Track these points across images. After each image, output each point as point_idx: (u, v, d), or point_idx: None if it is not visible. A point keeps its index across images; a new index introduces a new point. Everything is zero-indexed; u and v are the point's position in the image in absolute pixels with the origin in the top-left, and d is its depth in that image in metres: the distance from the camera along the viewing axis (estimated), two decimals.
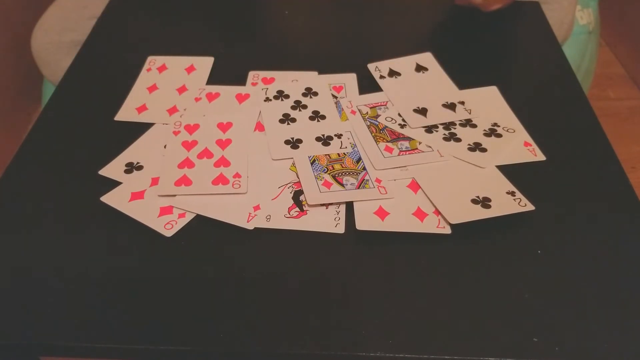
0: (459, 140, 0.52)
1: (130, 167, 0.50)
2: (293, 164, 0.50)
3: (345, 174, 0.48)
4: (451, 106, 0.55)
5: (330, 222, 0.45)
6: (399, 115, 0.54)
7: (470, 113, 0.54)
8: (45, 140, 0.54)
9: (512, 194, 0.46)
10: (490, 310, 0.40)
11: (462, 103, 0.55)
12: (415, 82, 0.59)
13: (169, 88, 0.59)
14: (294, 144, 0.51)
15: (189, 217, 0.46)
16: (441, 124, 0.53)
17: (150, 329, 0.39)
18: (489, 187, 0.47)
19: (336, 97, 0.57)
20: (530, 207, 0.45)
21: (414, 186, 0.48)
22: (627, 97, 1.43)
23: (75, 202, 0.47)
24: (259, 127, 0.54)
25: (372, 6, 0.72)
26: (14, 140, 1.14)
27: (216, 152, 0.50)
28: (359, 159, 0.50)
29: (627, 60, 1.50)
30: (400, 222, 0.45)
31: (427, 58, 0.62)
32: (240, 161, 0.50)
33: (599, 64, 1.18)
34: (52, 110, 0.57)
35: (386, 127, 0.53)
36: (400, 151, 0.50)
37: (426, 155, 0.50)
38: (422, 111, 0.54)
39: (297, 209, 0.46)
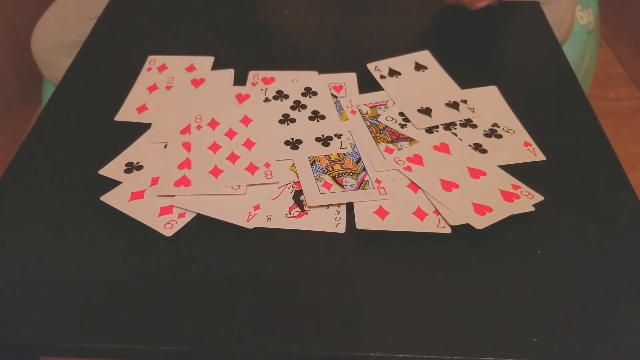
0: (459, 140, 0.52)
1: (130, 167, 0.50)
2: (293, 164, 0.50)
3: (345, 174, 0.48)
4: (454, 105, 0.55)
5: (331, 222, 0.45)
6: (400, 114, 0.54)
7: (474, 112, 0.54)
8: (45, 140, 0.54)
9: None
10: (490, 310, 0.40)
11: (465, 102, 0.55)
12: (416, 81, 0.59)
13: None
14: (294, 144, 0.51)
15: (189, 217, 0.46)
16: (442, 125, 0.53)
17: (150, 329, 0.39)
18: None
19: (336, 97, 0.57)
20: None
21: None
22: (627, 97, 1.43)
23: (75, 202, 0.47)
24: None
25: (372, 5, 0.72)
26: (14, 140, 1.14)
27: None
28: (359, 160, 0.50)
29: (627, 60, 1.50)
30: (401, 221, 0.45)
31: (425, 56, 0.62)
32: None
33: (599, 64, 1.18)
34: (52, 110, 0.57)
35: (386, 127, 0.53)
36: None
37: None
38: (427, 111, 0.54)
39: (297, 208, 0.46)
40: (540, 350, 0.37)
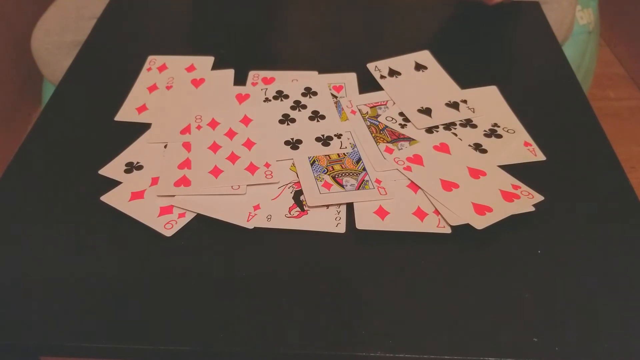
0: (459, 140, 0.52)
1: (130, 167, 0.50)
2: (293, 164, 0.50)
3: (345, 174, 0.48)
4: (454, 105, 0.55)
5: (331, 222, 0.45)
6: (400, 114, 0.54)
7: (474, 112, 0.54)
8: (45, 140, 0.54)
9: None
10: (490, 310, 0.40)
11: (465, 102, 0.55)
12: (416, 81, 0.59)
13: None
14: (294, 144, 0.51)
15: (189, 217, 0.46)
16: (442, 125, 0.53)
17: (150, 329, 0.39)
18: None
19: (336, 97, 0.57)
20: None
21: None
22: (627, 97, 1.43)
23: (75, 202, 0.47)
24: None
25: (372, 5, 0.72)
26: (14, 140, 1.14)
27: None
28: (359, 159, 0.50)
29: (627, 60, 1.50)
30: (401, 221, 0.45)
31: (425, 56, 0.62)
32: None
33: (599, 64, 1.18)
34: (52, 110, 0.57)
35: (386, 127, 0.53)
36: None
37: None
38: (427, 111, 0.54)
39: (297, 208, 0.46)
40: (540, 350, 0.37)
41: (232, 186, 0.47)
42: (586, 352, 0.37)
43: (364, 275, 0.42)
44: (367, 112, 0.55)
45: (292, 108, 0.55)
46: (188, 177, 0.48)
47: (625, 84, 1.46)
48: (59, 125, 0.55)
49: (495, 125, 0.53)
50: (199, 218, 0.46)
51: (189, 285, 0.41)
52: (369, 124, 0.53)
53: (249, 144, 0.51)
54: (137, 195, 0.47)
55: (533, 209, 0.45)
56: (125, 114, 0.56)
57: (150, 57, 0.63)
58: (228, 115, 0.54)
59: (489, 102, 0.56)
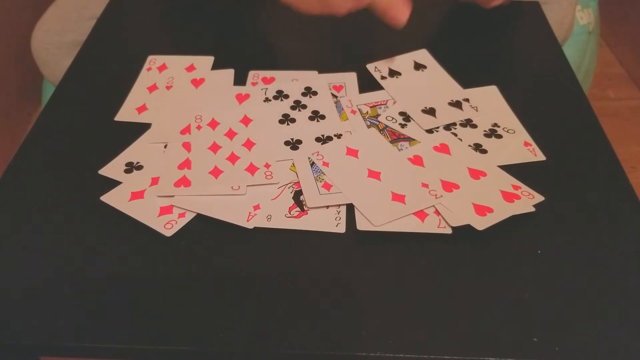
0: (459, 141, 0.52)
1: (130, 167, 0.50)
2: (293, 164, 0.50)
3: None
4: (457, 104, 0.55)
5: (331, 222, 0.45)
6: (400, 114, 0.54)
7: (477, 110, 0.54)
8: (45, 140, 0.54)
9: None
10: (490, 310, 0.40)
11: (467, 100, 0.55)
12: (417, 81, 0.59)
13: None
14: (294, 144, 0.51)
15: (189, 217, 0.46)
16: (442, 125, 0.53)
17: (150, 329, 0.39)
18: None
19: (336, 97, 0.57)
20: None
21: None
22: (627, 97, 1.43)
23: (75, 201, 0.47)
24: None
25: None
26: (14, 140, 1.14)
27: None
28: None
29: (627, 60, 1.50)
30: (401, 222, 0.45)
31: (423, 55, 0.62)
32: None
33: (599, 64, 1.18)
34: (52, 110, 0.57)
35: (386, 127, 0.53)
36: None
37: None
38: (431, 111, 0.54)
39: (297, 208, 0.46)
40: (540, 350, 0.37)
41: (232, 186, 0.47)
42: (586, 352, 0.37)
43: (364, 275, 0.42)
44: (367, 112, 0.55)
45: (292, 108, 0.55)
46: (188, 177, 0.48)
47: (625, 84, 1.47)
48: (59, 125, 0.55)
49: (495, 125, 0.53)
50: (199, 218, 0.46)
51: (189, 285, 0.41)
52: (369, 124, 0.53)
53: (249, 144, 0.51)
54: (137, 195, 0.47)
55: (533, 209, 0.45)
56: (125, 114, 0.56)
57: (150, 57, 0.63)
58: (228, 115, 0.54)
59: (489, 102, 0.56)
